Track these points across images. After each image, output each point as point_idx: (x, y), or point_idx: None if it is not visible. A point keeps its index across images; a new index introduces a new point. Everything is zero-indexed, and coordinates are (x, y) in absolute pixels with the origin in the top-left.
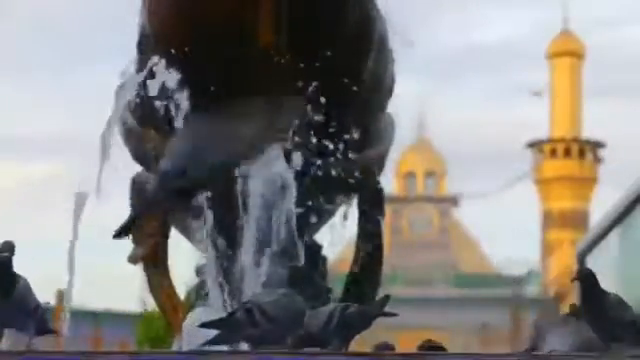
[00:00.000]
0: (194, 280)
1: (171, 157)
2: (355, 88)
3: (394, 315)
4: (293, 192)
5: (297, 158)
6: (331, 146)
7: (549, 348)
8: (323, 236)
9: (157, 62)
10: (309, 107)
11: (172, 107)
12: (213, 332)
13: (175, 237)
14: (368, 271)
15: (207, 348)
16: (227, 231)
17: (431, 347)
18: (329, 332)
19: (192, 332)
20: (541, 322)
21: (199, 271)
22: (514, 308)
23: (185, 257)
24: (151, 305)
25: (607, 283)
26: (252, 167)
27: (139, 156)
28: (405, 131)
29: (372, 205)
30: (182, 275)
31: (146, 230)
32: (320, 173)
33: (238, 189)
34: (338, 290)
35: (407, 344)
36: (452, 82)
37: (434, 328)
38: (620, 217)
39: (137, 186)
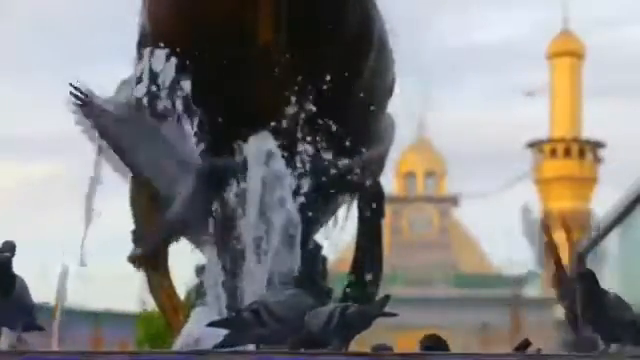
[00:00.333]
0: (194, 280)
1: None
2: (355, 88)
3: (394, 315)
4: (289, 190)
5: (296, 158)
6: (331, 146)
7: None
8: (323, 236)
9: (157, 61)
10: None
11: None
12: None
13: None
14: (368, 271)
15: (207, 348)
16: (227, 231)
17: (432, 341)
18: (329, 332)
19: (197, 334)
20: None
21: (199, 271)
22: (514, 308)
23: (185, 257)
24: (151, 305)
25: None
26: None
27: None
28: (405, 131)
29: (372, 205)
30: (182, 275)
31: (146, 230)
32: (320, 173)
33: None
34: (338, 290)
35: (407, 344)
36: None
37: (434, 328)
38: (620, 217)
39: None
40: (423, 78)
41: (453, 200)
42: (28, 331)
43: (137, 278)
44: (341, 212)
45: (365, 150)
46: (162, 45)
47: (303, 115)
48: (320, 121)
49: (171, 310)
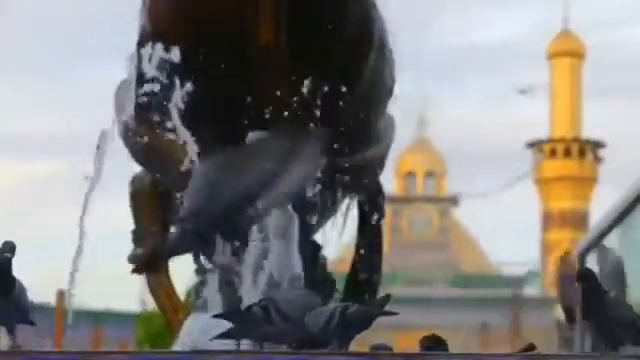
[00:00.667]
0: (194, 280)
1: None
2: (355, 88)
3: (394, 314)
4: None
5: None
6: (331, 146)
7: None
8: (323, 236)
9: (156, 61)
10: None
11: (171, 105)
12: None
13: None
14: (368, 271)
15: (207, 348)
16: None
17: (432, 341)
18: (329, 332)
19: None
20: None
21: (199, 271)
22: (514, 308)
23: (185, 257)
24: (151, 305)
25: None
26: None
27: (139, 156)
28: (405, 131)
29: (372, 205)
30: (182, 275)
31: (147, 230)
32: (320, 173)
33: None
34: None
35: (407, 344)
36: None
37: (434, 328)
38: (620, 217)
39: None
40: (423, 78)
41: (453, 200)
42: (19, 323)
43: (137, 278)
44: (341, 212)
45: (365, 150)
46: (162, 45)
47: (303, 115)
48: (320, 121)
49: (171, 310)
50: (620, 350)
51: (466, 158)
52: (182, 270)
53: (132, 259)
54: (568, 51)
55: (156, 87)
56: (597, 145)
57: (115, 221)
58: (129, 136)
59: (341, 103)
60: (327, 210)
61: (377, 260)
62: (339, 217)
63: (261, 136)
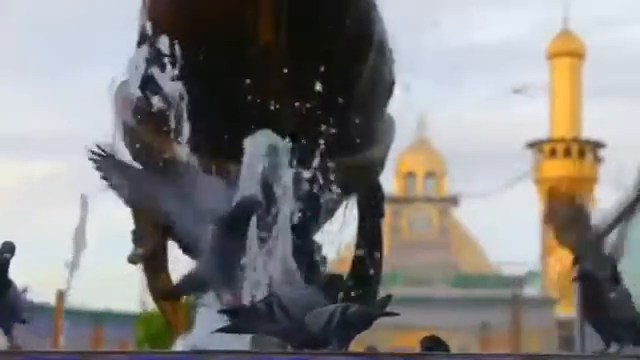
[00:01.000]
0: None
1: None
2: (355, 88)
3: (395, 315)
4: (291, 191)
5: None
6: (331, 146)
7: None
8: (323, 236)
9: (156, 61)
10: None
11: (171, 106)
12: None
13: None
14: (368, 271)
15: (207, 348)
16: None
17: (433, 342)
18: (330, 332)
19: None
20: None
21: None
22: (514, 308)
23: (185, 257)
24: (151, 305)
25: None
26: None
27: (139, 157)
28: (405, 131)
29: (372, 205)
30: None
31: (146, 230)
32: (320, 173)
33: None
34: None
35: (407, 344)
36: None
37: (434, 328)
38: (620, 217)
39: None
40: (423, 78)
41: (453, 200)
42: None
43: (137, 278)
44: (341, 212)
45: (365, 150)
46: (162, 45)
47: (303, 115)
48: (320, 121)
49: (171, 310)
50: (620, 350)
51: (466, 158)
52: (182, 270)
53: (132, 259)
54: (568, 51)
55: (156, 87)
56: (597, 145)
57: (115, 221)
58: (129, 136)
59: (341, 103)
60: (327, 210)
61: (377, 260)
62: (339, 217)
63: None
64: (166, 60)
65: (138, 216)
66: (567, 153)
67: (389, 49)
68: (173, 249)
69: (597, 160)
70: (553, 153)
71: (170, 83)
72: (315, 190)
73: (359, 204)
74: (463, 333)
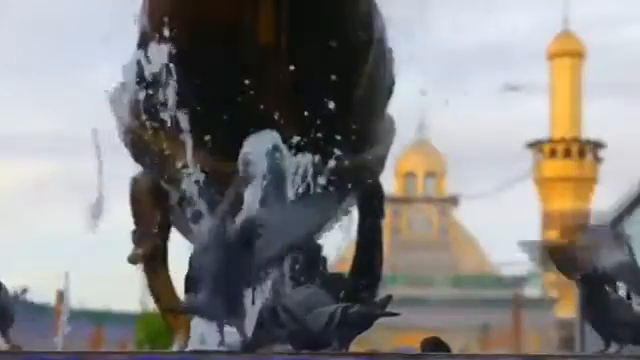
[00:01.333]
0: None
1: None
2: (355, 88)
3: (396, 315)
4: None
5: (296, 159)
6: (331, 146)
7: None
8: (323, 236)
9: (156, 62)
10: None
11: (171, 106)
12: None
13: (175, 238)
14: (368, 271)
15: (207, 349)
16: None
17: (434, 343)
18: (330, 332)
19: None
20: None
21: None
22: (514, 309)
23: (185, 258)
24: (151, 305)
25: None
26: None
27: (139, 157)
28: (405, 131)
29: (372, 205)
30: (182, 275)
31: (146, 231)
32: (320, 174)
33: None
34: None
35: (407, 344)
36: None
37: (434, 328)
38: (620, 217)
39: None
40: (423, 78)
41: (453, 200)
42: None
43: (137, 278)
44: (341, 212)
45: (365, 150)
46: (161, 46)
47: (303, 116)
48: (320, 121)
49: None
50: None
51: (466, 158)
52: (182, 270)
53: (132, 259)
54: (568, 51)
55: (155, 87)
56: (597, 145)
57: (115, 221)
58: (129, 136)
59: (341, 103)
60: (327, 211)
61: (377, 260)
62: (339, 217)
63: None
64: (166, 60)
65: (138, 216)
66: (567, 153)
67: (389, 49)
68: (173, 249)
69: (597, 160)
70: (553, 153)
71: (170, 83)
72: (315, 191)
73: (359, 204)
74: (463, 333)
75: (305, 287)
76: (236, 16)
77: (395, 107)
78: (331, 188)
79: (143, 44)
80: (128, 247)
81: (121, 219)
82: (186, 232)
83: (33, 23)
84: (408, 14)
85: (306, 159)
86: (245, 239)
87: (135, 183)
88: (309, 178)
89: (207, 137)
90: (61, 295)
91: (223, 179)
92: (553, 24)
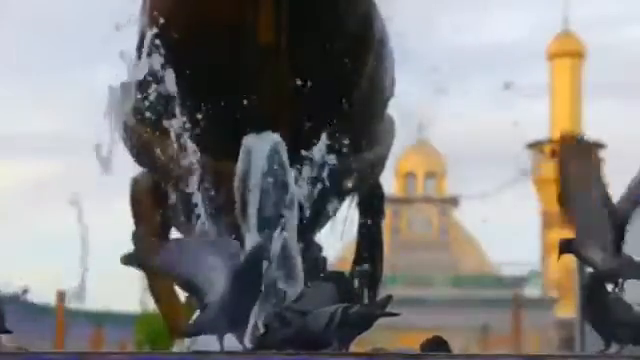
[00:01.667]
0: None
1: None
2: (355, 89)
3: (396, 315)
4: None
5: (296, 159)
6: (331, 147)
7: None
8: (323, 237)
9: (156, 62)
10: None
11: (171, 107)
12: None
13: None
14: (368, 271)
15: (207, 349)
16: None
17: (435, 342)
18: (331, 333)
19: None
20: None
21: None
22: (514, 309)
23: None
24: (151, 305)
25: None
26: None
27: (139, 157)
28: (405, 132)
29: (372, 206)
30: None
31: (146, 231)
32: (320, 174)
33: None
34: None
35: (407, 344)
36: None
37: (434, 329)
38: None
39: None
40: (423, 78)
41: (453, 201)
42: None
43: (137, 278)
44: (341, 213)
45: (365, 151)
46: (161, 46)
47: (303, 116)
48: (320, 122)
49: (171, 312)
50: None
51: (466, 159)
52: None
53: (132, 260)
54: (568, 51)
55: (155, 88)
56: (597, 146)
57: (115, 221)
58: (129, 137)
59: (342, 103)
60: (327, 211)
61: (377, 261)
62: (339, 218)
63: None
64: (166, 60)
65: (138, 216)
66: None
67: (389, 49)
68: None
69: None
70: (553, 154)
71: (170, 83)
72: (316, 191)
73: (359, 204)
74: (463, 333)
75: (307, 287)
76: (236, 16)
77: (395, 107)
78: (331, 188)
79: (143, 44)
80: (128, 247)
81: (121, 219)
82: (186, 232)
83: (33, 23)
84: (408, 14)
85: (306, 160)
86: (253, 264)
87: (135, 183)
88: (309, 179)
89: (207, 137)
90: (61, 295)
91: (223, 179)
92: (553, 24)
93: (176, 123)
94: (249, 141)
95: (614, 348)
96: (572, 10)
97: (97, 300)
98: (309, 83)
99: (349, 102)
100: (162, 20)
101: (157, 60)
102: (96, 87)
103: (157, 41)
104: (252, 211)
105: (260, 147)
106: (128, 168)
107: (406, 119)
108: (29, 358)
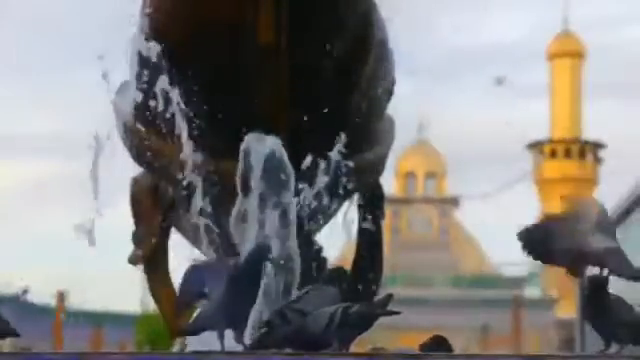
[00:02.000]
0: None
1: None
2: (355, 89)
3: (397, 314)
4: (292, 190)
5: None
6: (331, 147)
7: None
8: (323, 237)
9: (155, 62)
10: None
11: (171, 107)
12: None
13: (175, 238)
14: (368, 272)
15: (207, 349)
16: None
17: (436, 342)
18: (331, 333)
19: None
20: None
21: None
22: (515, 309)
23: (185, 258)
24: (151, 305)
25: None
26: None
27: (139, 157)
28: (405, 132)
29: (372, 206)
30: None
31: (146, 231)
32: (320, 174)
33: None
34: None
35: (407, 344)
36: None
37: (434, 329)
38: (620, 217)
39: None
40: (423, 79)
41: (453, 201)
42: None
43: (137, 278)
44: (341, 213)
45: (365, 151)
46: (161, 46)
47: (304, 116)
48: (321, 122)
49: (171, 312)
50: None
51: (466, 159)
52: (182, 271)
53: (132, 260)
54: (568, 51)
55: (155, 88)
56: (597, 146)
57: (115, 222)
58: (129, 137)
59: (342, 103)
60: (327, 211)
61: (377, 261)
62: (339, 218)
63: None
64: (166, 60)
65: (138, 216)
66: (567, 154)
67: (389, 49)
68: (173, 250)
69: (597, 161)
70: (553, 154)
71: (169, 83)
72: (316, 191)
73: (359, 205)
74: (463, 333)
75: (309, 289)
76: (236, 16)
77: (395, 107)
78: (331, 188)
79: (143, 44)
80: (128, 247)
81: (121, 219)
82: (186, 232)
83: (33, 23)
84: (408, 15)
85: (306, 160)
86: (253, 264)
87: (135, 183)
88: (309, 179)
89: (207, 137)
90: (61, 295)
91: (223, 179)
92: (553, 24)
93: (176, 123)
94: (249, 141)
95: (614, 348)
96: (572, 10)
97: (97, 301)
98: (309, 83)
99: (349, 102)
100: (162, 20)
101: (157, 60)
102: (96, 87)
103: (157, 41)
104: (252, 211)
105: (260, 147)
106: (128, 168)
107: (406, 119)
108: (29, 358)
